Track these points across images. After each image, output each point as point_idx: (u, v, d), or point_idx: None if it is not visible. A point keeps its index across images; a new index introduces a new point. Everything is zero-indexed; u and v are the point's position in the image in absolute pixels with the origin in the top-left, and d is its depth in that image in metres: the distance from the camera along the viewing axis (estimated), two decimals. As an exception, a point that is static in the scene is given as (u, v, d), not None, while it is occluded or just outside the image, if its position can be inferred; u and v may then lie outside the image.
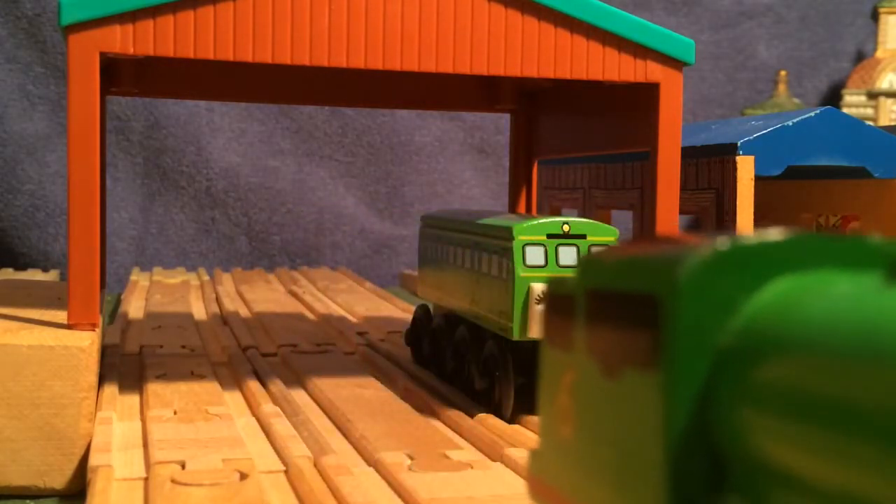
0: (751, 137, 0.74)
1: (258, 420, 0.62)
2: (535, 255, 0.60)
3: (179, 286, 1.34)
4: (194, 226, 1.71)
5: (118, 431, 0.58)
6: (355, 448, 0.57)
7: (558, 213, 1.03)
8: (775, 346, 0.24)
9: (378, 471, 0.52)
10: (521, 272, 0.59)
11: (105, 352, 0.79)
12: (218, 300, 1.18)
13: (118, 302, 1.22)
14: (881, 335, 0.21)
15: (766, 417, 0.23)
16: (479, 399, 0.66)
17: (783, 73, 1.83)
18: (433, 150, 1.81)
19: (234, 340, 0.89)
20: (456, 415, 0.63)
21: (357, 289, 1.34)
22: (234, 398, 0.67)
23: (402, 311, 1.12)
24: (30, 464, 0.55)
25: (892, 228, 0.73)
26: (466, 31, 0.63)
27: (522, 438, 0.57)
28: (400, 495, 0.48)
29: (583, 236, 0.61)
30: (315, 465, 0.51)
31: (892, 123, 1.74)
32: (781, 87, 1.81)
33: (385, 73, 0.67)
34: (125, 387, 0.68)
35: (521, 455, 0.53)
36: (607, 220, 0.92)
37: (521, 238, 0.60)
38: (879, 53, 1.80)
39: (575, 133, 0.84)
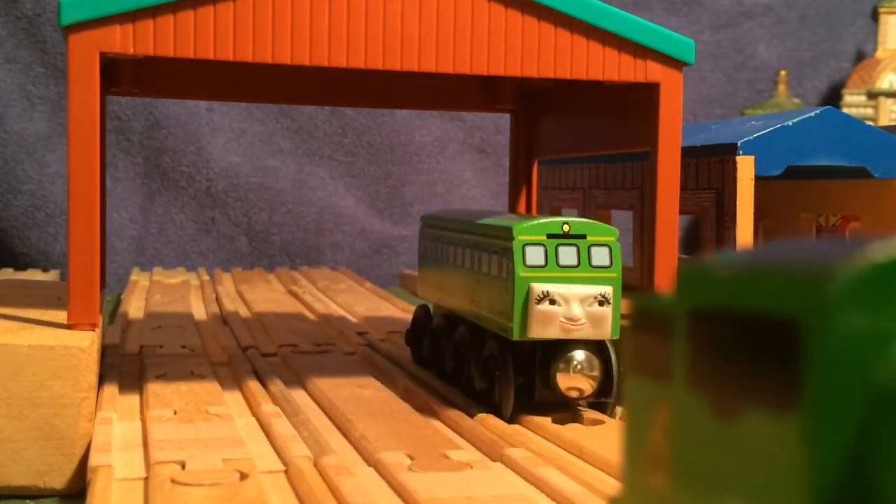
0: (751, 137, 0.74)
1: (258, 420, 0.62)
2: (535, 255, 0.60)
3: (179, 286, 1.34)
4: (194, 226, 1.71)
5: (118, 431, 0.58)
6: (355, 448, 0.57)
7: (558, 213, 1.03)
8: None
9: (378, 471, 0.52)
10: (521, 272, 0.59)
11: (105, 352, 0.79)
12: (218, 300, 1.18)
13: (118, 302, 1.22)
14: None
15: None
16: (479, 399, 0.65)
17: (783, 73, 1.83)
18: (433, 150, 1.81)
19: (234, 340, 0.89)
20: (456, 415, 0.63)
21: (357, 289, 1.34)
22: (234, 398, 0.67)
23: (402, 311, 1.12)
24: (30, 464, 0.55)
25: (892, 228, 0.73)
26: (466, 31, 0.63)
27: (522, 438, 0.57)
28: (400, 495, 0.48)
29: (583, 236, 0.61)
30: (315, 465, 0.51)
31: (892, 123, 1.74)
32: (781, 87, 1.81)
33: (385, 73, 0.67)
34: (125, 387, 0.68)
35: (520, 455, 0.53)
36: (607, 220, 0.92)
37: (521, 238, 0.60)
38: (879, 53, 1.80)
39: (575, 133, 0.84)
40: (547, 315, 0.59)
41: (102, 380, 0.68)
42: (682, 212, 0.70)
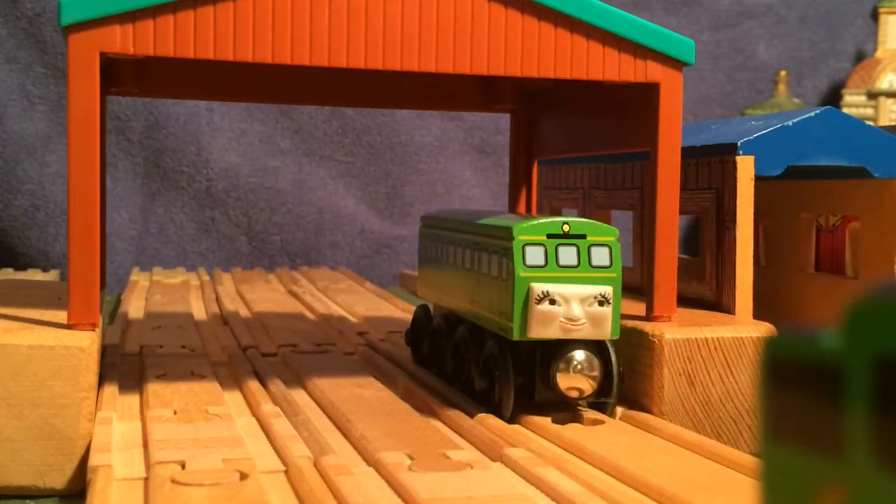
0: (751, 137, 0.74)
1: (258, 420, 0.62)
2: (535, 255, 0.60)
3: (179, 286, 1.34)
4: (194, 226, 1.71)
5: (118, 431, 0.58)
6: (355, 448, 0.57)
7: (558, 213, 1.03)
8: None
9: (378, 471, 0.52)
10: (521, 272, 0.59)
11: (105, 352, 0.79)
12: (218, 300, 1.18)
13: (118, 302, 1.22)
14: None
15: None
16: (479, 399, 0.65)
17: (783, 73, 1.83)
18: (433, 150, 1.81)
19: (234, 340, 0.89)
20: (456, 415, 0.63)
21: (357, 289, 1.34)
22: (234, 398, 0.67)
23: (402, 311, 1.12)
24: (30, 464, 0.55)
25: (893, 228, 0.73)
26: (466, 31, 0.63)
27: (522, 438, 0.57)
28: (400, 495, 0.48)
29: (583, 236, 0.61)
30: (315, 465, 0.51)
31: (892, 123, 1.74)
32: (781, 87, 1.81)
33: (385, 73, 0.67)
34: (125, 387, 0.68)
35: (520, 455, 0.53)
36: (607, 220, 0.92)
37: (521, 238, 0.60)
38: (879, 53, 1.80)
39: (575, 133, 0.84)
40: (547, 315, 0.59)
41: (102, 380, 0.68)
42: (682, 212, 0.70)
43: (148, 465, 0.51)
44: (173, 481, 0.47)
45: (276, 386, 0.69)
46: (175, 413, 0.60)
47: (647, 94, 0.68)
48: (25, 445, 0.55)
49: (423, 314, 0.80)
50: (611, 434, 0.59)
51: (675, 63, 0.67)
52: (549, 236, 0.60)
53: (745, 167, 0.73)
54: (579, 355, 0.60)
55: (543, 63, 0.65)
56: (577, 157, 0.96)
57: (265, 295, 1.25)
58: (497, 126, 1.81)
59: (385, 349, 0.85)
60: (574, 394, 0.61)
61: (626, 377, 0.64)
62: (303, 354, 0.82)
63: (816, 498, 0.21)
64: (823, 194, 0.80)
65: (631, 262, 0.87)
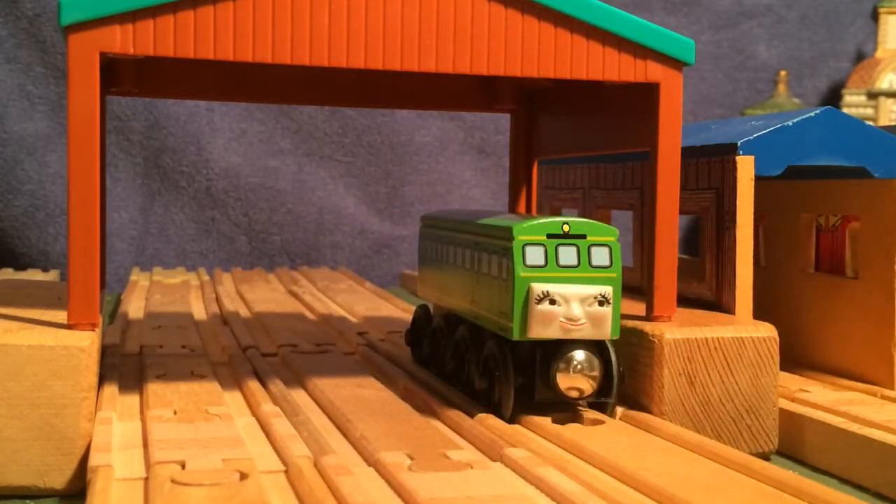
0: (751, 137, 0.74)
1: (258, 420, 0.62)
2: (535, 255, 0.60)
3: (179, 286, 1.35)
4: (194, 226, 1.71)
5: (118, 431, 0.58)
6: (355, 448, 0.57)
7: (558, 213, 1.03)
8: None
9: (378, 471, 0.52)
10: (521, 272, 0.59)
11: (105, 352, 0.79)
12: (218, 300, 1.18)
13: (118, 302, 1.22)
14: None
15: None
16: (479, 399, 0.66)
17: (783, 73, 1.83)
18: (433, 150, 1.81)
19: (234, 340, 0.89)
20: (456, 415, 0.63)
21: (357, 289, 1.34)
22: (234, 398, 0.67)
23: (402, 311, 1.12)
24: (30, 464, 0.55)
25: (893, 228, 0.73)
26: (466, 31, 0.63)
27: (522, 438, 0.57)
28: (400, 495, 0.48)
29: (583, 236, 0.61)
30: (315, 465, 0.51)
31: (892, 123, 1.74)
32: (781, 87, 1.81)
33: (385, 73, 0.67)
34: (125, 387, 0.68)
35: (520, 455, 0.53)
36: (607, 220, 0.92)
37: (521, 238, 0.60)
38: (879, 53, 1.80)
39: (575, 133, 0.84)
40: (547, 315, 0.59)
41: (102, 380, 0.68)
42: (682, 212, 0.70)
43: (148, 465, 0.51)
44: (173, 481, 0.47)
45: (276, 386, 0.69)
46: (175, 413, 0.60)
47: (647, 94, 0.68)
48: (25, 445, 0.55)
49: (423, 314, 0.80)
50: (611, 434, 0.59)
51: (675, 63, 0.67)
52: (549, 236, 0.60)
53: (745, 167, 0.73)
54: (579, 355, 0.60)
55: (543, 63, 0.65)
56: (577, 157, 0.96)
57: (265, 295, 1.25)
58: (497, 126, 1.81)
59: (385, 349, 0.85)
60: (574, 394, 0.61)
61: (626, 377, 0.64)
62: (303, 354, 0.82)
63: None
64: (823, 194, 0.80)
65: (631, 262, 0.87)
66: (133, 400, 0.65)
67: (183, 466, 0.50)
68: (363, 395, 0.68)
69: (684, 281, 0.77)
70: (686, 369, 0.64)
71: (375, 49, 0.62)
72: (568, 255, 0.60)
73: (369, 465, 0.53)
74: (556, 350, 0.60)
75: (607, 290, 0.59)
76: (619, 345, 0.63)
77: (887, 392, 0.72)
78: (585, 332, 0.59)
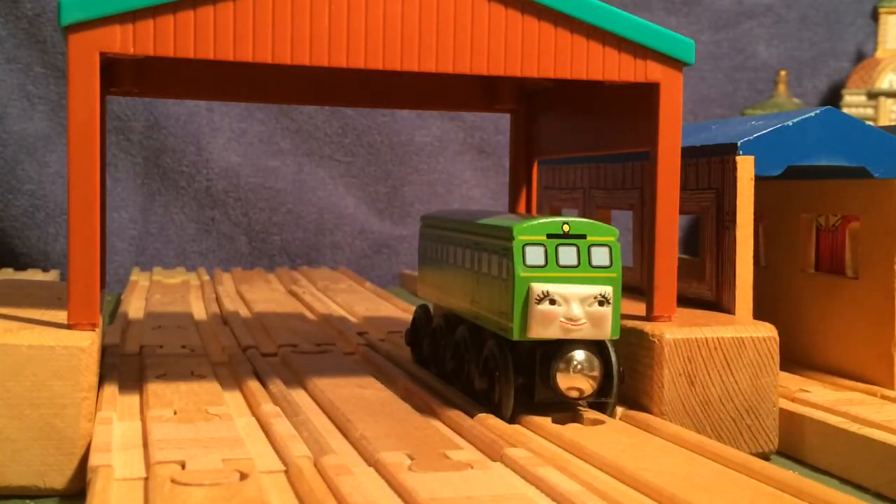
0: (751, 137, 0.74)
1: (258, 420, 0.62)
2: (535, 255, 0.60)
3: (179, 286, 1.35)
4: (194, 226, 1.71)
5: (118, 431, 0.58)
6: (355, 448, 0.57)
7: (558, 213, 1.03)
8: None
9: (378, 471, 0.52)
10: (521, 272, 0.59)
11: (105, 352, 0.79)
12: (218, 300, 1.18)
13: (118, 302, 1.22)
14: None
15: None
16: (479, 399, 0.66)
17: (783, 73, 1.83)
18: (433, 150, 1.81)
19: (234, 340, 0.89)
20: (456, 415, 0.63)
21: (357, 289, 1.34)
22: (234, 398, 0.67)
23: (402, 311, 1.12)
24: (30, 464, 0.55)
25: (893, 228, 0.73)
26: (466, 31, 0.63)
27: (522, 438, 0.57)
28: (400, 495, 0.48)
29: (583, 236, 0.61)
30: (315, 465, 0.51)
31: (892, 123, 1.74)
32: (781, 87, 1.81)
33: (385, 73, 0.67)
34: (125, 387, 0.68)
35: (520, 455, 0.53)
36: (607, 220, 0.92)
37: (521, 238, 0.60)
38: (879, 53, 1.80)
39: (575, 133, 0.84)
40: (547, 315, 0.59)
41: (102, 380, 0.68)
42: (682, 212, 0.70)
43: (148, 465, 0.51)
44: (173, 481, 0.47)
45: (276, 386, 0.69)
46: (175, 413, 0.60)
47: (647, 94, 0.68)
48: (25, 445, 0.55)
49: (423, 314, 0.80)
50: (611, 434, 0.59)
51: (675, 63, 0.67)
52: (549, 236, 0.60)
53: (745, 167, 0.73)
54: (579, 355, 0.60)
55: (543, 63, 0.65)
56: (577, 157, 0.96)
57: (265, 295, 1.25)
58: (497, 126, 1.81)
59: (385, 349, 0.85)
60: (574, 394, 0.61)
61: (626, 377, 0.64)
62: (303, 354, 0.82)
63: None
64: (823, 194, 0.80)
65: (631, 262, 0.87)
66: (133, 400, 0.65)
67: (183, 466, 0.50)
68: (363, 395, 0.68)
69: (684, 281, 0.77)
70: (686, 369, 0.64)
71: (375, 49, 0.62)
72: (568, 255, 0.60)
73: (369, 465, 0.53)
74: (556, 350, 0.60)
75: (607, 290, 0.59)
76: (619, 345, 0.63)
77: (887, 392, 0.72)
78: (585, 332, 0.59)
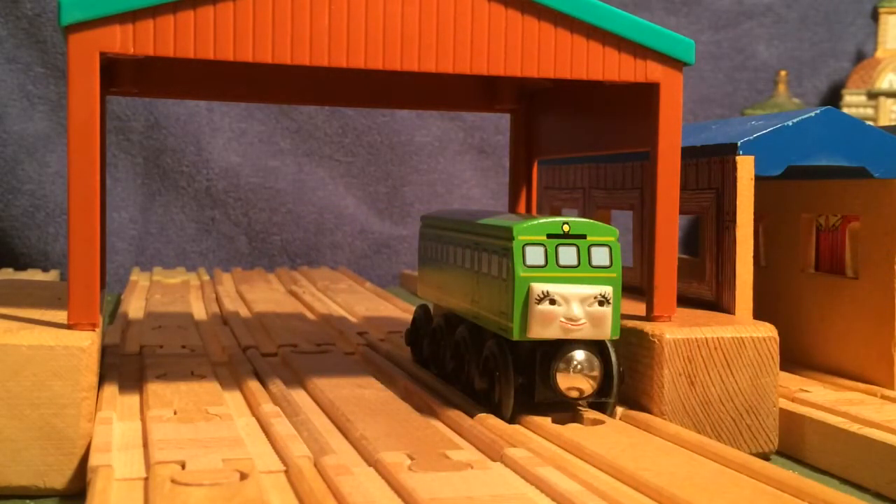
0: (751, 137, 0.74)
1: (258, 420, 0.62)
2: (535, 255, 0.60)
3: (179, 286, 1.35)
4: (194, 226, 1.71)
5: (118, 431, 0.58)
6: (355, 448, 0.57)
7: (558, 213, 1.03)
8: None
9: (378, 471, 0.52)
10: (521, 272, 0.59)
11: (105, 352, 0.79)
12: (218, 300, 1.18)
13: (118, 302, 1.22)
14: None
15: None
16: (479, 399, 0.66)
17: (783, 73, 1.83)
18: (433, 150, 1.81)
19: (234, 340, 0.89)
20: (456, 415, 0.63)
21: (357, 289, 1.34)
22: (234, 398, 0.67)
23: (402, 311, 1.12)
24: (30, 464, 0.55)
25: (893, 228, 0.73)
26: (466, 31, 0.63)
27: (522, 438, 0.57)
28: (400, 495, 0.48)
29: (583, 236, 0.61)
30: (315, 465, 0.51)
31: (892, 123, 1.74)
32: (781, 87, 1.81)
33: (385, 73, 0.67)
34: (125, 387, 0.68)
35: (520, 455, 0.53)
36: (607, 220, 0.92)
37: (521, 238, 0.60)
38: (879, 53, 1.80)
39: (575, 133, 0.84)
40: (547, 315, 0.59)
41: (102, 380, 0.68)
42: (682, 212, 0.70)
43: (148, 465, 0.51)
44: (173, 481, 0.47)
45: (276, 386, 0.69)
46: (175, 413, 0.60)
47: (647, 94, 0.68)
48: (25, 445, 0.55)
49: (423, 314, 0.80)
50: (611, 434, 0.59)
51: (675, 63, 0.67)
52: (549, 236, 0.60)
53: (745, 167, 0.73)
54: (579, 355, 0.60)
55: (543, 63, 0.65)
56: (577, 157, 0.96)
57: (265, 295, 1.25)
58: (497, 126, 1.81)
59: (385, 349, 0.85)
60: (574, 394, 0.61)
61: (626, 377, 0.64)
62: (303, 354, 0.82)
63: None
64: (823, 194, 0.80)
65: (631, 262, 0.87)
66: (133, 400, 0.65)
67: (183, 466, 0.50)
68: (363, 395, 0.68)
69: (684, 281, 0.77)
70: (686, 369, 0.64)
71: (375, 49, 0.62)
72: (568, 255, 0.60)
73: (369, 465, 0.53)
74: (556, 350, 0.60)
75: (607, 290, 0.59)
76: (619, 345, 0.63)
77: (887, 392, 0.72)
78: (585, 332, 0.59)
